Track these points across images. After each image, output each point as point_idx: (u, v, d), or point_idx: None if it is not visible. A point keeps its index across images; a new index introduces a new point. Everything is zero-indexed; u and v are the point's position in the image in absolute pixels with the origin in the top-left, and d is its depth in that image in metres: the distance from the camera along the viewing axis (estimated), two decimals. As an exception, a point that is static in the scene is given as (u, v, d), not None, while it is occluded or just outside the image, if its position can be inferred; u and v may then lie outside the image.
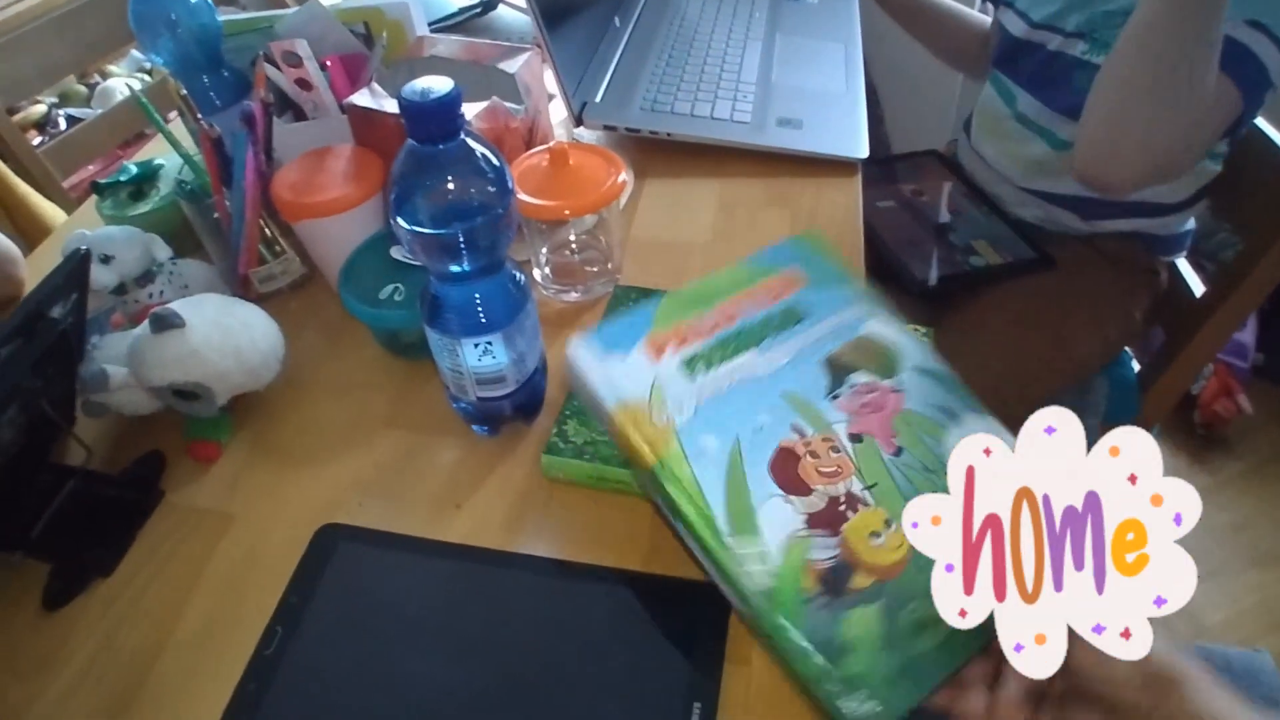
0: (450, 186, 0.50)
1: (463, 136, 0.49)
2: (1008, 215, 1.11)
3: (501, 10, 1.12)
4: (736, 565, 0.46)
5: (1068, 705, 0.44)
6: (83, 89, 2.18)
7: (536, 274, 0.76)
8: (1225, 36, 0.79)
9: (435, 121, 0.48)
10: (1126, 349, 1.15)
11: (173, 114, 0.93)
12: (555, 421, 0.61)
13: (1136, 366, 1.14)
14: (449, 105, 0.48)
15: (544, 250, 0.75)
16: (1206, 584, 1.50)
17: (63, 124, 2.05)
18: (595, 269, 0.76)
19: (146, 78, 2.21)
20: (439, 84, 0.48)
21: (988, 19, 1.24)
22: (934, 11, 1.26)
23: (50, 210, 1.40)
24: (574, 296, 0.75)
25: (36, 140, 1.92)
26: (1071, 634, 0.41)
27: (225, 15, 0.90)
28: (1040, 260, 1.04)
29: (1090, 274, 1.05)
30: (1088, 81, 0.93)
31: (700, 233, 0.82)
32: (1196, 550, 1.29)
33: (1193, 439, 1.74)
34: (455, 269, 0.53)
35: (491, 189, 0.51)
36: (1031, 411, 1.03)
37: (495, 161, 0.51)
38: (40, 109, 2.06)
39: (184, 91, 0.76)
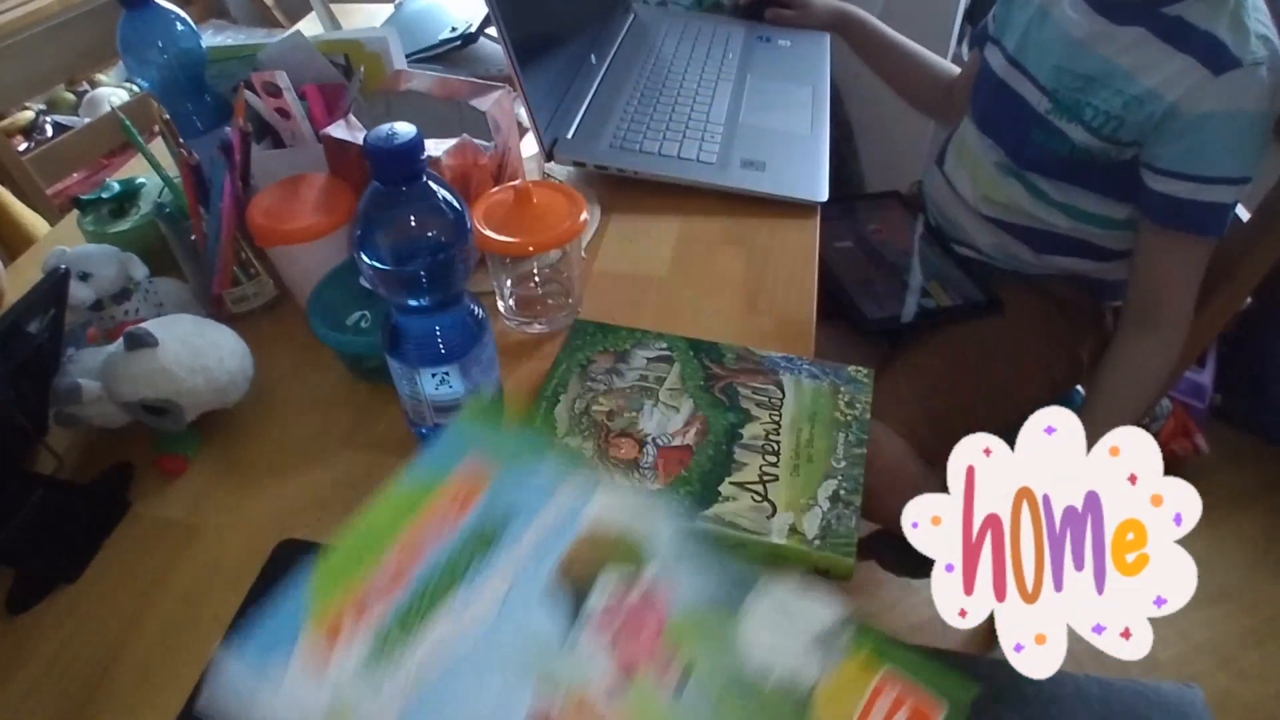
0: (411, 225, 0.53)
1: (424, 179, 0.53)
2: (961, 257, 1.15)
3: (482, 42, 1.16)
4: None
5: None
6: (71, 96, 2.19)
7: (500, 305, 0.79)
8: (1189, 200, 0.88)
9: (398, 164, 0.51)
10: (1077, 387, 1.19)
11: (156, 129, 0.96)
12: None
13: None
14: (411, 149, 0.51)
15: (508, 283, 0.78)
16: (1157, 621, 1.54)
17: (49, 131, 2.06)
18: (557, 301, 0.79)
19: (135, 87, 2.23)
20: (403, 129, 0.51)
21: (953, 68, 1.29)
22: (900, 54, 1.30)
23: (31, 219, 1.42)
24: (537, 328, 0.78)
25: (22, 146, 1.94)
26: None
27: (211, 32, 0.93)
28: (989, 304, 1.08)
29: (1038, 316, 1.09)
30: (1044, 138, 0.99)
31: (659, 267, 0.85)
32: None
33: (1150, 477, 1.78)
34: (414, 302, 0.56)
35: (450, 228, 0.54)
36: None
37: (454, 203, 0.54)
38: (28, 115, 2.08)
39: (166, 115, 0.79)
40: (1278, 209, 0.93)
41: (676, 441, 0.63)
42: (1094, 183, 1.00)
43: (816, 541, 0.57)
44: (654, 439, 0.64)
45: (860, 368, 0.70)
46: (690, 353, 0.71)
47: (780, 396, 0.67)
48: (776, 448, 0.63)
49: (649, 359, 0.70)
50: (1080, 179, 1.01)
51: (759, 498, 0.59)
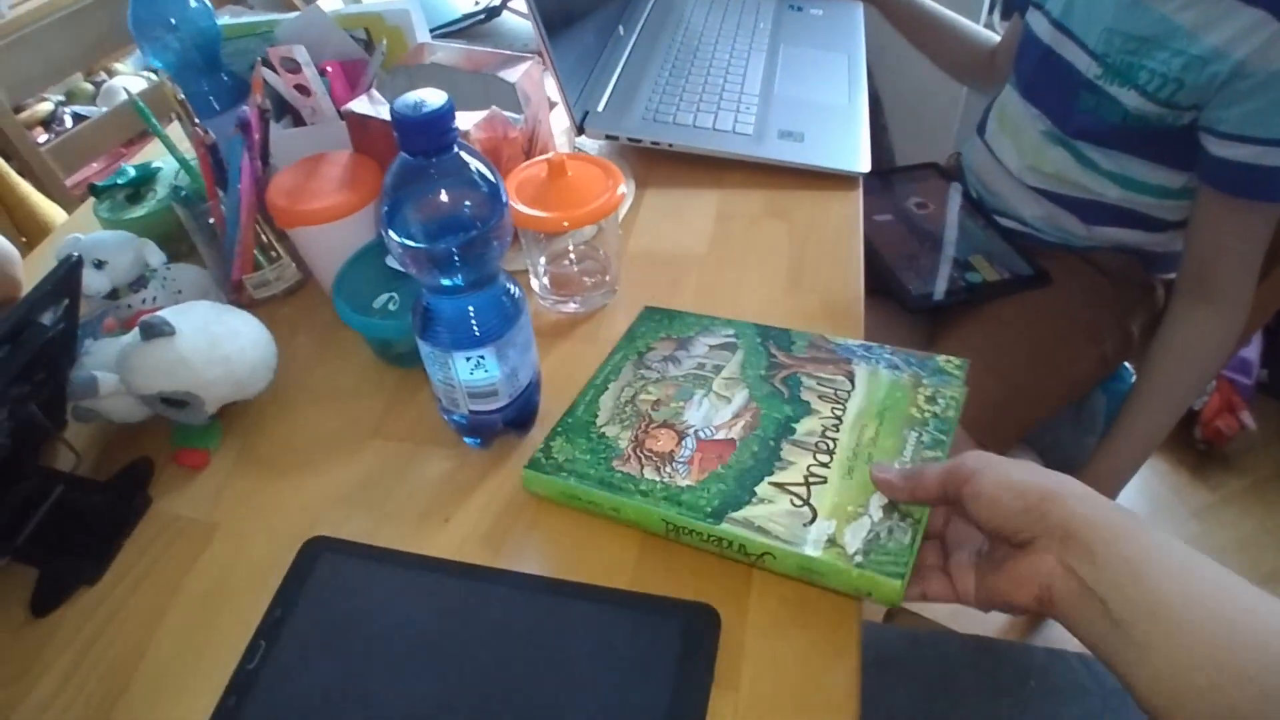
0: (443, 199, 0.50)
1: (455, 150, 0.49)
2: (1006, 229, 1.10)
3: (506, 16, 1.12)
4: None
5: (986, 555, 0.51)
6: (89, 87, 2.18)
7: (534, 284, 0.75)
8: (1253, 165, 0.83)
9: (427, 135, 0.48)
10: (1125, 364, 1.14)
11: (172, 116, 0.93)
12: (545, 437, 0.60)
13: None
14: (441, 118, 0.47)
15: (542, 261, 0.75)
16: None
17: (68, 121, 2.05)
18: (593, 280, 0.75)
19: (153, 76, 2.21)
20: (432, 97, 0.47)
21: (992, 35, 1.24)
22: (937, 23, 1.25)
23: (50, 209, 1.41)
24: (572, 308, 0.74)
25: (42, 138, 1.93)
26: (967, 496, 0.47)
27: (228, 17, 0.90)
28: (1036, 277, 1.03)
29: (1087, 289, 1.05)
30: (1094, 104, 0.94)
31: (698, 244, 0.81)
32: None
33: (1194, 455, 1.73)
34: (447, 282, 0.52)
35: (484, 202, 0.50)
36: (1030, 428, 1.03)
37: (489, 175, 0.50)
38: (47, 106, 2.07)
39: (181, 96, 0.76)
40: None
41: (721, 435, 0.58)
42: (1147, 150, 0.95)
43: (858, 558, 0.49)
44: (696, 431, 0.59)
45: (953, 358, 0.62)
46: (757, 339, 0.66)
47: (849, 389, 0.60)
48: (831, 446, 0.56)
49: (711, 346, 0.66)
50: (1132, 147, 0.96)
51: (799, 501, 0.53)
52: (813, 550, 0.50)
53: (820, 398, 0.60)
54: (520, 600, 0.54)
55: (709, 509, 0.53)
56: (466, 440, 0.64)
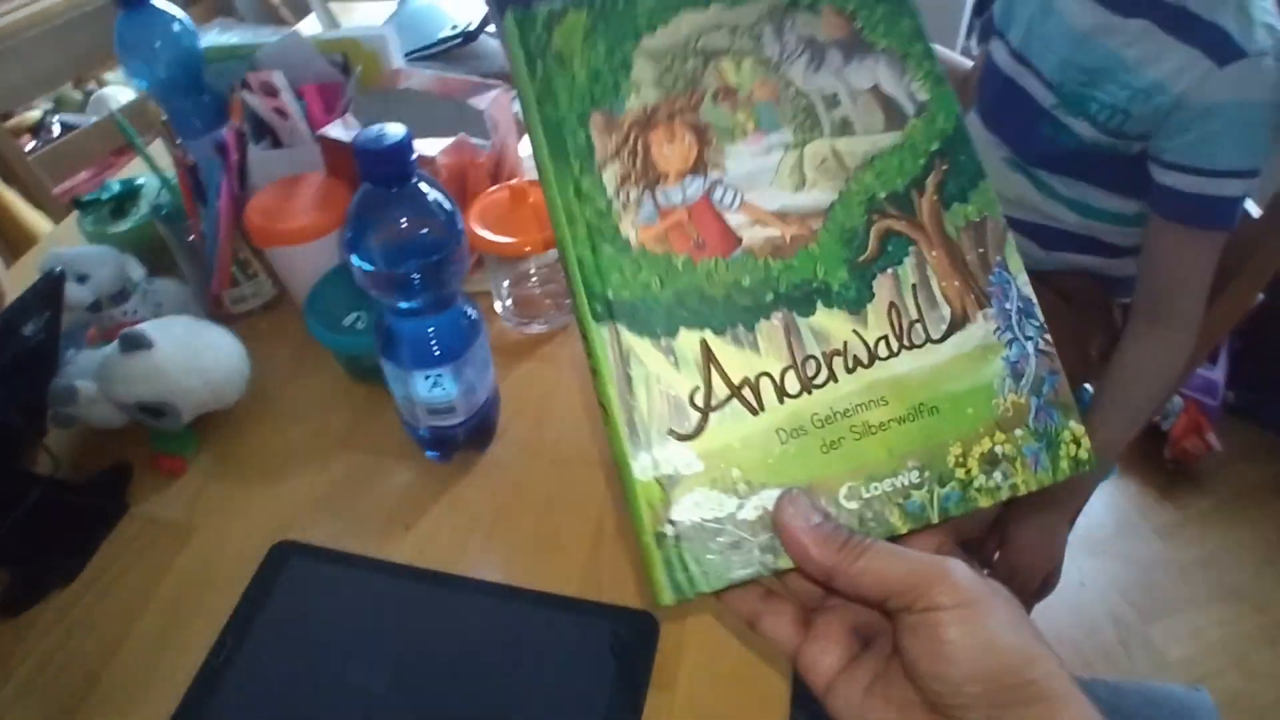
0: (402, 226, 0.53)
1: (415, 179, 0.52)
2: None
3: (483, 39, 1.15)
4: None
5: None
6: (78, 95, 2.20)
7: (498, 306, 0.78)
8: (1196, 194, 0.87)
9: (388, 165, 0.51)
10: (1085, 385, 1.18)
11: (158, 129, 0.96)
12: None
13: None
14: (400, 150, 0.50)
15: (505, 283, 0.78)
16: (1170, 619, 1.54)
17: (56, 130, 2.07)
18: (555, 301, 0.78)
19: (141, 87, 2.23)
20: (392, 130, 0.50)
21: (967, 62, 1.27)
22: None
23: (36, 219, 1.43)
24: (535, 328, 0.78)
25: (29, 145, 1.95)
26: (917, 624, 0.33)
27: (217, 30, 0.93)
28: (995, 300, 1.07)
29: (1046, 311, 1.07)
30: (1052, 132, 0.98)
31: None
32: (1162, 584, 1.33)
33: (1162, 474, 1.77)
34: (407, 304, 0.56)
35: (442, 229, 0.53)
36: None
37: (446, 204, 0.54)
38: (35, 114, 2.09)
39: (164, 116, 0.79)
40: (1288, 206, 0.91)
41: (734, 219, 0.40)
42: (1102, 178, 0.99)
43: (668, 529, 0.36)
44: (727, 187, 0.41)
45: None
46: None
47: (943, 330, 0.41)
48: (826, 377, 0.38)
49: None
50: (1088, 174, 1.00)
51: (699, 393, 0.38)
52: (640, 474, 0.36)
53: (893, 311, 0.39)
54: (474, 605, 0.57)
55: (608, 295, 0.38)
56: (428, 453, 0.67)
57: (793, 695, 0.53)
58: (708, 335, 0.38)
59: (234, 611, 0.58)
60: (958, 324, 0.40)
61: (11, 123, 1.98)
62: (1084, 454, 0.40)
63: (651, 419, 0.37)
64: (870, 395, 0.39)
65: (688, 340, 0.38)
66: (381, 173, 0.51)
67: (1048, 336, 0.42)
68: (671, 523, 0.36)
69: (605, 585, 0.58)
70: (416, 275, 0.53)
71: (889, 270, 0.40)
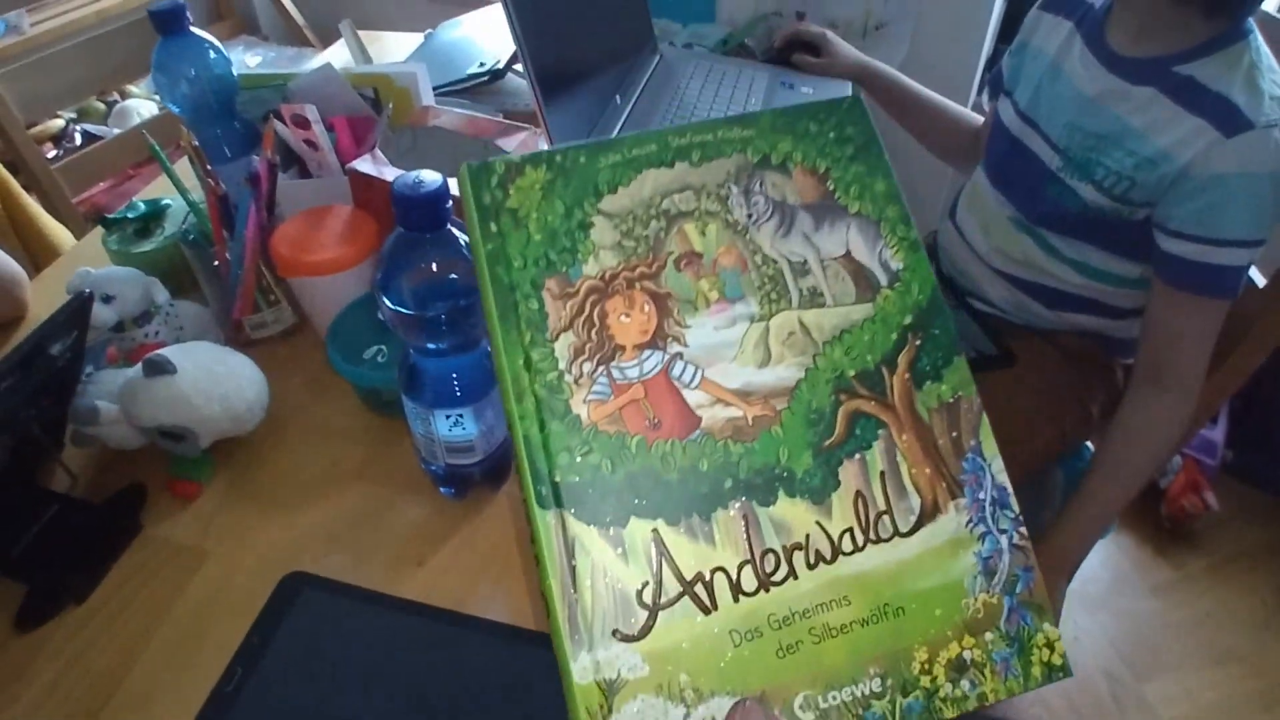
0: (434, 271, 0.54)
1: (448, 226, 0.53)
2: (974, 308, 1.15)
3: (510, 77, 1.17)
4: None
5: None
6: (101, 106, 2.22)
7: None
8: (1201, 263, 0.88)
9: (424, 212, 0.52)
10: (1086, 443, 1.19)
11: (180, 147, 0.97)
12: None
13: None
14: (437, 198, 0.52)
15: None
16: (1164, 679, 1.53)
17: (78, 139, 2.09)
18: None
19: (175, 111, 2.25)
20: (429, 177, 0.52)
21: (978, 117, 1.29)
22: (925, 106, 1.30)
23: (57, 231, 1.44)
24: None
25: (51, 153, 1.97)
26: None
27: (242, 48, 0.95)
28: (1001, 357, 1.08)
29: (1050, 370, 1.09)
30: (1057, 194, 0.99)
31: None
32: (1157, 643, 1.32)
33: (1159, 533, 1.77)
34: (433, 345, 0.57)
35: (471, 275, 0.54)
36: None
37: (477, 250, 0.55)
38: (58, 123, 2.11)
39: (195, 142, 0.80)
40: (1293, 275, 0.93)
41: (695, 399, 0.39)
42: (1106, 240, 1.00)
43: None
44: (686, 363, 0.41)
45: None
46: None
47: (902, 529, 0.41)
48: (786, 574, 0.38)
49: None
50: (1092, 237, 1.01)
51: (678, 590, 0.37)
52: (579, 676, 0.35)
53: (860, 501, 0.39)
54: (483, 645, 0.58)
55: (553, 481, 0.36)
56: (443, 490, 0.68)
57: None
58: (660, 525, 0.36)
59: (244, 640, 0.58)
60: (927, 516, 0.39)
61: (34, 130, 1.99)
62: (1058, 659, 0.39)
63: (595, 616, 0.35)
64: (832, 594, 0.37)
65: (638, 529, 0.36)
66: (417, 218, 0.52)
67: (1023, 530, 0.40)
68: None
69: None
70: (444, 318, 0.54)
71: (856, 456, 0.38)
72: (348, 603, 0.60)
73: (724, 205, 0.41)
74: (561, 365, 0.37)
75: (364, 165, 0.78)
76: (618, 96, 1.09)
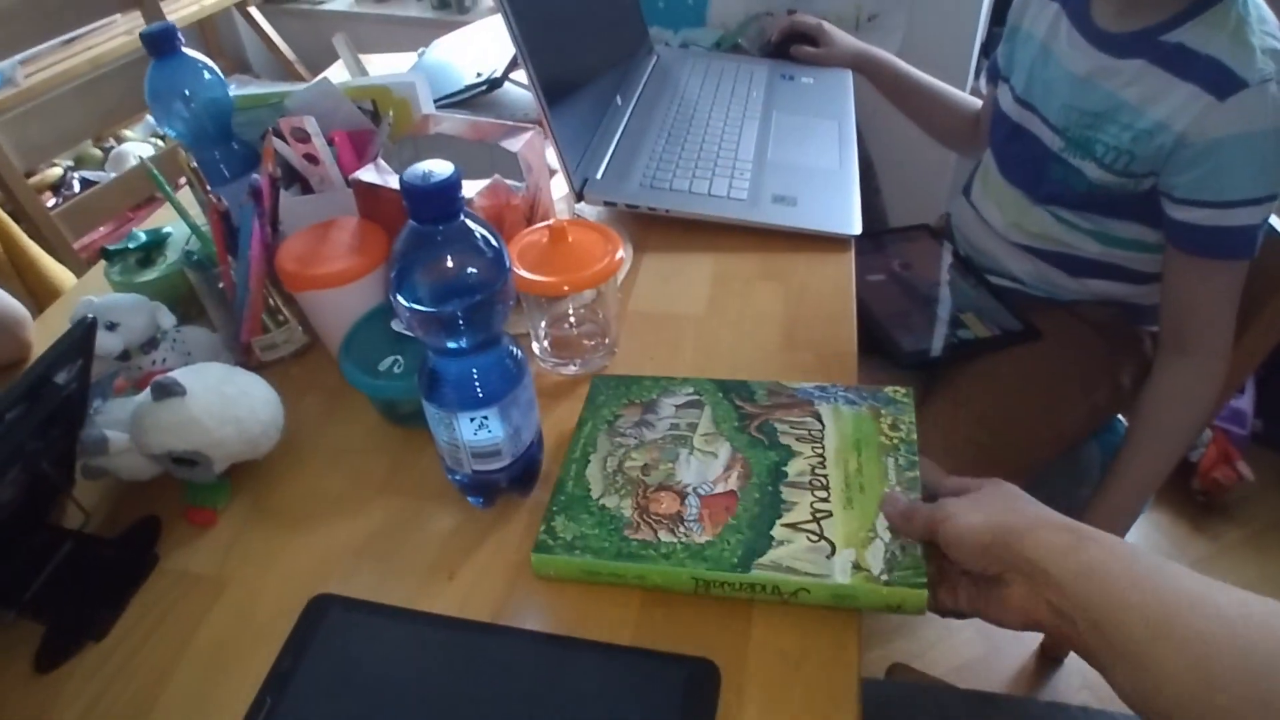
0: (449, 265, 0.52)
1: (462, 218, 0.51)
2: (995, 286, 1.13)
3: (508, 87, 1.16)
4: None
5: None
6: (98, 152, 2.23)
7: (535, 347, 0.77)
8: (1211, 227, 0.87)
9: (436, 204, 0.50)
10: (1118, 416, 1.16)
11: (182, 181, 0.96)
12: (542, 518, 0.61)
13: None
14: (449, 188, 0.49)
15: (543, 324, 0.77)
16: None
17: (77, 186, 2.09)
18: (593, 342, 0.77)
19: (160, 143, 2.26)
20: (440, 167, 0.50)
21: (977, 101, 1.28)
22: (924, 91, 1.30)
23: (60, 272, 1.43)
24: (572, 370, 0.76)
25: (51, 202, 1.97)
26: (940, 541, 0.52)
27: (235, 86, 0.94)
28: (1025, 332, 1.06)
29: (1076, 342, 1.07)
30: (1062, 174, 0.98)
31: (695, 306, 0.84)
32: None
33: (1192, 506, 1.74)
34: (453, 344, 0.54)
35: (488, 268, 0.52)
36: (1023, 479, 1.05)
37: (493, 241, 0.53)
38: (56, 171, 2.11)
39: (194, 164, 0.79)
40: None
41: (719, 488, 0.60)
42: (1119, 211, 0.99)
43: (884, 576, 0.53)
44: (695, 489, 0.61)
45: (898, 388, 0.67)
46: (719, 394, 0.68)
47: (820, 428, 0.64)
48: (825, 482, 0.60)
49: (677, 406, 0.68)
50: (1105, 209, 1.00)
51: (815, 537, 0.56)
52: (843, 578, 0.54)
53: (798, 439, 0.63)
54: (523, 658, 0.55)
55: (734, 559, 0.55)
56: (470, 499, 0.65)
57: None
58: (780, 520, 0.58)
59: (273, 667, 0.55)
60: (816, 423, 0.65)
61: (33, 180, 2.00)
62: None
63: (818, 563, 0.55)
64: (840, 466, 0.62)
65: (776, 531, 0.58)
66: (429, 211, 0.50)
67: None
68: (880, 573, 0.54)
69: (660, 632, 0.56)
70: (463, 314, 0.52)
71: (775, 430, 0.65)
72: (378, 621, 0.58)
73: None
74: None
75: (368, 175, 0.76)
76: (618, 97, 1.08)
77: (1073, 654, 1.48)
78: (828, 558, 0.55)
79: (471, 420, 0.57)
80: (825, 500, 0.58)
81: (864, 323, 1.00)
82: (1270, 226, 0.96)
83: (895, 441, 0.62)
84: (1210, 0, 0.84)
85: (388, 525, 0.65)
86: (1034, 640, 1.50)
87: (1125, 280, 1.06)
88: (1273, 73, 0.80)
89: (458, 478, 0.63)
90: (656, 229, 0.94)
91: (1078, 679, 1.47)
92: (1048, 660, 1.50)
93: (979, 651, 1.51)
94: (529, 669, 0.54)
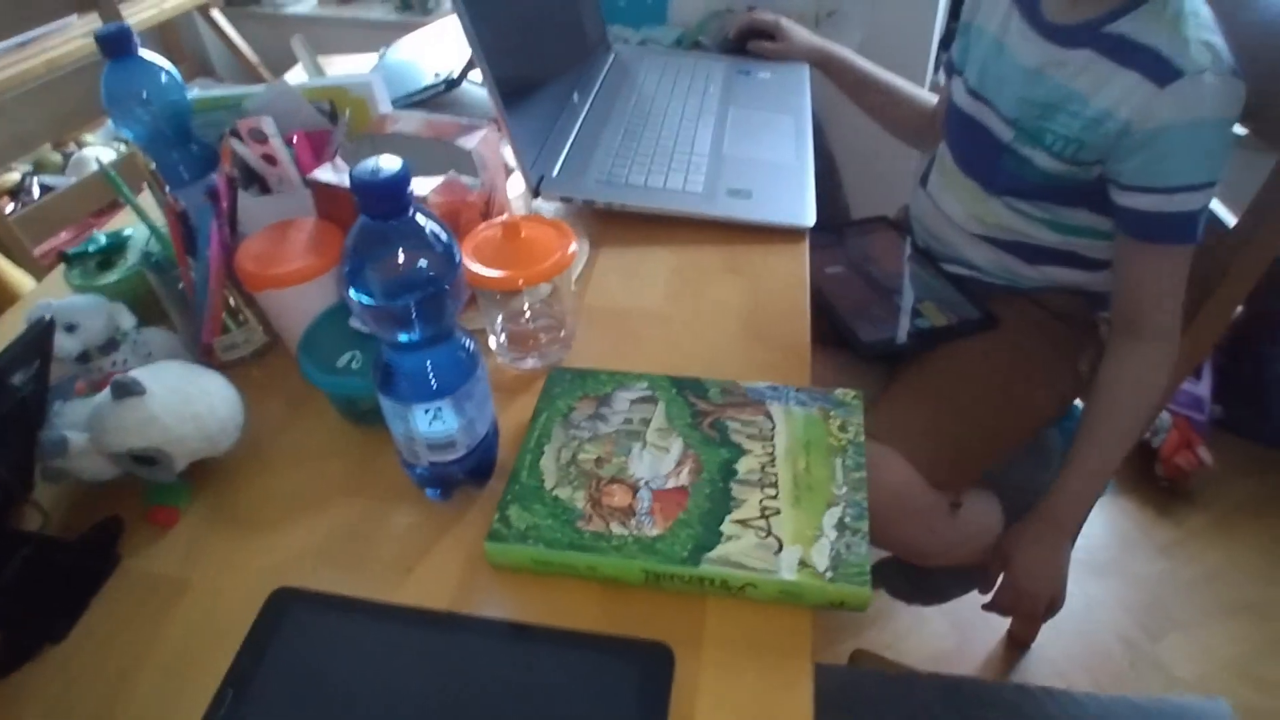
0: (400, 259, 0.53)
1: (412, 211, 0.52)
2: (955, 275, 1.15)
3: (466, 87, 1.16)
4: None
5: None
6: (57, 157, 2.21)
7: (492, 343, 0.78)
8: (1156, 212, 0.89)
9: (385, 198, 0.51)
10: (1077, 402, 1.18)
11: (143, 185, 0.96)
12: (497, 506, 0.62)
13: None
14: (398, 183, 0.50)
15: (499, 319, 0.78)
16: (1177, 636, 1.53)
17: (36, 192, 2.07)
18: (549, 337, 0.78)
19: (122, 147, 2.24)
20: (389, 163, 0.50)
21: (934, 97, 1.30)
22: (881, 87, 1.31)
23: (19, 278, 1.42)
24: (530, 364, 0.77)
25: (9, 207, 1.95)
26: None
27: (198, 90, 0.94)
28: (984, 320, 1.08)
29: (1036, 329, 1.09)
30: (1014, 165, 1.00)
31: (653, 299, 0.85)
32: (1168, 602, 1.34)
33: (1157, 492, 1.78)
34: (405, 337, 0.55)
35: (439, 261, 0.53)
36: (988, 468, 1.08)
37: (443, 236, 0.54)
38: (14, 177, 2.09)
39: (153, 166, 0.79)
40: (1263, 213, 0.93)
41: (670, 483, 0.62)
42: (1071, 199, 1.01)
43: (829, 574, 0.55)
44: (647, 482, 0.62)
45: (848, 390, 0.69)
46: (674, 390, 0.70)
47: (771, 427, 0.66)
48: (775, 480, 0.62)
49: (632, 401, 0.69)
50: (1057, 198, 1.02)
51: (763, 533, 0.58)
52: (789, 575, 0.56)
53: (749, 438, 0.65)
54: (483, 645, 0.56)
55: (684, 553, 0.57)
56: (428, 493, 0.66)
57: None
58: (729, 516, 0.60)
59: (233, 662, 0.56)
60: (768, 422, 0.67)
61: (-9, 186, 1.97)
62: None
63: (765, 559, 0.57)
64: (790, 465, 0.64)
65: (725, 526, 0.60)
66: (379, 205, 0.51)
67: None
68: (825, 570, 0.56)
69: (616, 620, 0.57)
70: (415, 307, 0.53)
71: (727, 428, 0.67)
72: (337, 614, 0.58)
73: None
74: None
75: (325, 175, 0.77)
76: (575, 95, 1.09)
77: (1040, 641, 1.51)
78: (775, 554, 0.57)
79: (426, 412, 0.58)
80: (774, 498, 0.60)
81: (825, 315, 1.02)
82: (1214, 214, 0.99)
83: (844, 443, 0.64)
84: None
85: (348, 523, 0.66)
86: (1002, 626, 1.53)
87: (1082, 267, 1.08)
88: (1208, 64, 0.83)
89: (416, 471, 0.64)
90: (614, 224, 0.95)
91: (1047, 666, 1.50)
92: (1015, 647, 1.53)
93: (949, 642, 1.53)
94: (487, 656, 0.55)
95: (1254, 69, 0.85)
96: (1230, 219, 0.98)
